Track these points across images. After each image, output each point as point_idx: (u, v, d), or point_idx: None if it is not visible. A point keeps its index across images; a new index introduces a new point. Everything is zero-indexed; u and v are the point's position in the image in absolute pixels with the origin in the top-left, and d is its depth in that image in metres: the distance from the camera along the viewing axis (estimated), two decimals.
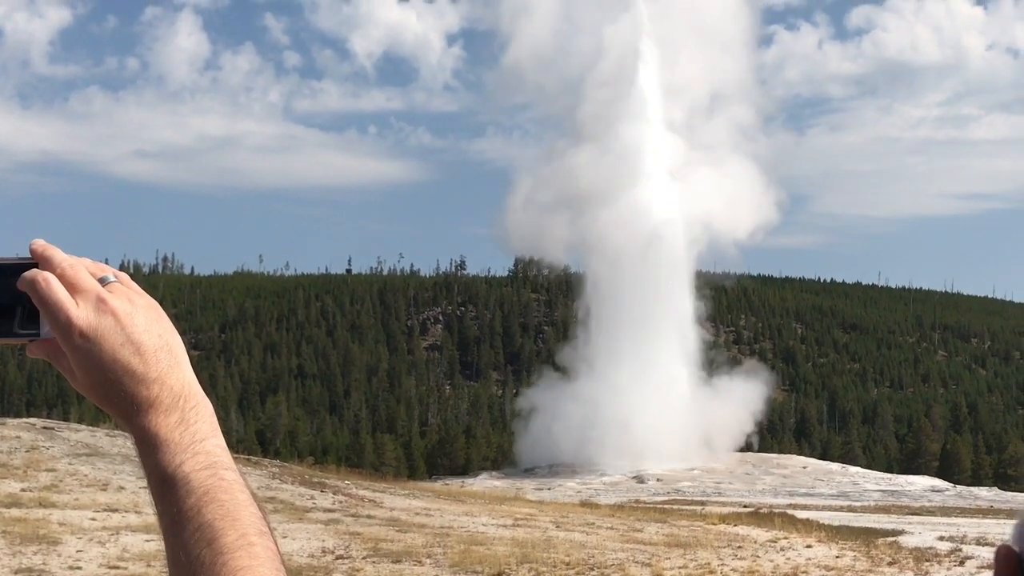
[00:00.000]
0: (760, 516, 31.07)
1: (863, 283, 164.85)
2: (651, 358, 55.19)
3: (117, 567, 14.24)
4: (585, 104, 62.90)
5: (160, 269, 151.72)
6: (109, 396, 1.06)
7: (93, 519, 17.18)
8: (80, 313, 1.04)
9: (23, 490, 19.06)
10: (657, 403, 54.21)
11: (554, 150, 67.59)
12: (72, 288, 1.05)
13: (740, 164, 62.23)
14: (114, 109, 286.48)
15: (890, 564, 19.01)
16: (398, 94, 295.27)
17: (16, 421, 27.25)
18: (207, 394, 1.09)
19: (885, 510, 41.37)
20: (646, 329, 55.34)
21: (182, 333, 1.02)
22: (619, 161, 58.70)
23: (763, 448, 71.31)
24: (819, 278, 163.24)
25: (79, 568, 14.10)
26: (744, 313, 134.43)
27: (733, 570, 17.08)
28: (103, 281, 1.07)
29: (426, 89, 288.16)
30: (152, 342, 1.05)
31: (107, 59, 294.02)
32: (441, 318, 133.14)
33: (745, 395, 61.51)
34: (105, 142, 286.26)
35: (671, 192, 58.14)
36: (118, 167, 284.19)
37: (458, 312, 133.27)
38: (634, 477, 51.86)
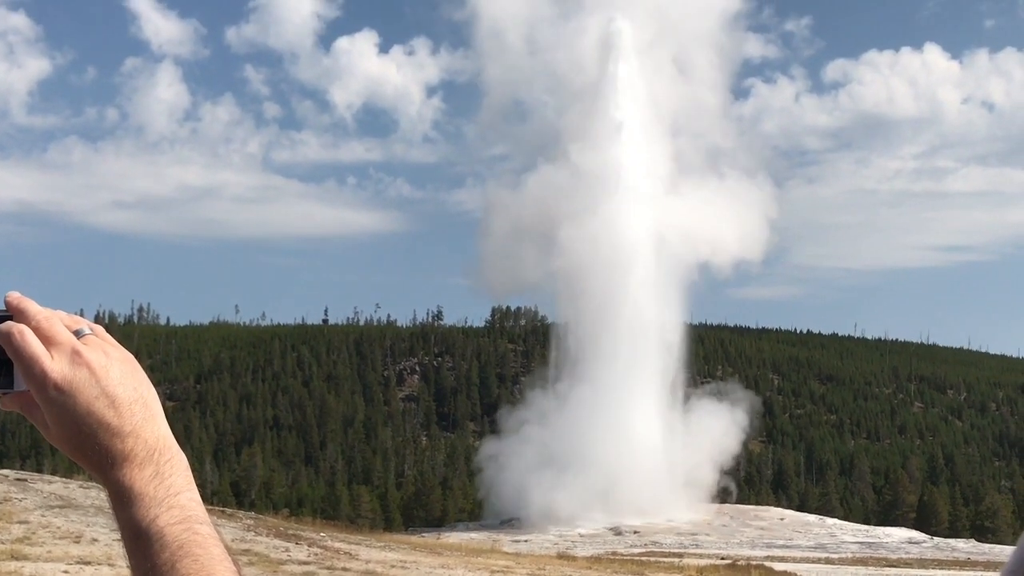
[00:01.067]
0: (738, 568, 30.95)
1: (839, 334, 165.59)
2: (626, 404, 54.40)
3: None
4: (560, 136, 62.37)
5: (136, 320, 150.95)
6: (83, 449, 1.05)
7: (66, 572, 16.96)
8: (55, 366, 1.03)
9: None
10: (633, 453, 53.78)
11: (522, 179, 66.19)
12: (47, 341, 1.04)
13: (725, 189, 60.26)
14: (93, 159, 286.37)
15: None
16: (377, 145, 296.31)
17: None
18: (182, 445, 1.08)
19: (863, 562, 41.25)
20: (621, 374, 54.32)
21: (157, 384, 0.82)
22: (591, 184, 57.40)
23: (741, 500, 71.10)
24: (796, 329, 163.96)
25: None
26: (721, 364, 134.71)
27: None
28: (78, 334, 1.06)
29: (405, 140, 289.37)
30: (127, 395, 1.04)
31: (86, 109, 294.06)
32: (418, 368, 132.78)
33: (722, 427, 60.60)
34: (83, 192, 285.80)
35: (645, 220, 56.54)
36: (96, 218, 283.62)
37: (435, 363, 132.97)
38: (611, 529, 51.61)
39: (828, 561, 40.91)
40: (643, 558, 38.72)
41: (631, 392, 54.72)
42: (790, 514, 64.41)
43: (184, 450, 1.08)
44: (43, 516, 21.74)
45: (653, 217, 54.78)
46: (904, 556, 45.70)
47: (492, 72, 75.29)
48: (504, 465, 58.05)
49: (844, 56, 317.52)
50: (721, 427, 61.63)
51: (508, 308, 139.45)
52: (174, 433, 1.08)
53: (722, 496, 64.49)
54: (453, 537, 46.64)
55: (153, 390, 1.08)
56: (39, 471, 37.99)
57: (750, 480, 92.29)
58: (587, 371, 55.06)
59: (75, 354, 1.04)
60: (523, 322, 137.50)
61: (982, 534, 69.90)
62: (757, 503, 71.93)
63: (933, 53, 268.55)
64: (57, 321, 1.06)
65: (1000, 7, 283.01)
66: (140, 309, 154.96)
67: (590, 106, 61.76)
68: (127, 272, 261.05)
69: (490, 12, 72.24)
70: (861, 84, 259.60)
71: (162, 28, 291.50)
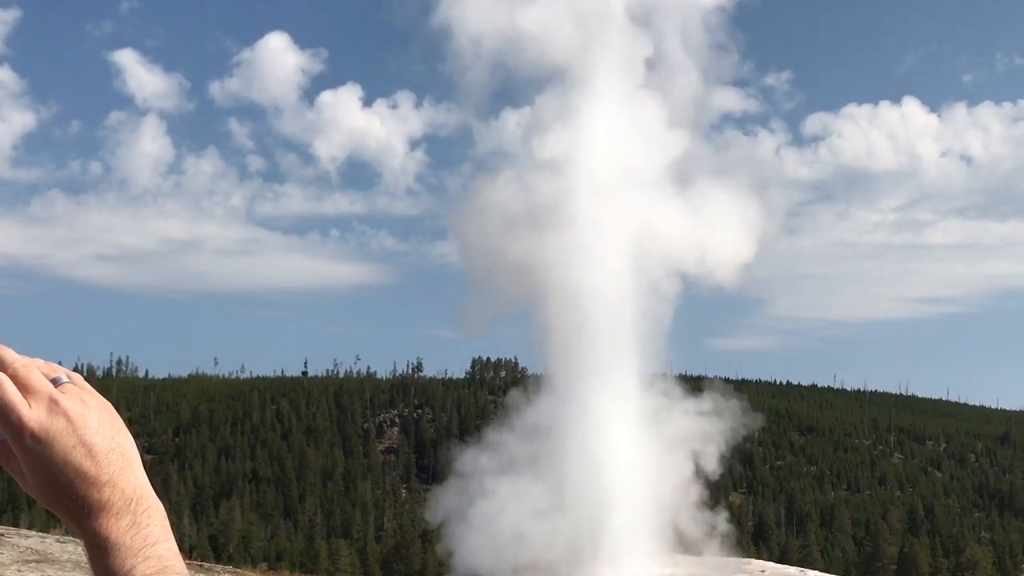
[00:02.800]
0: None
1: (819, 385, 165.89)
2: (600, 451, 52.71)
3: None
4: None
5: (114, 372, 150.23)
6: (60, 499, 1.03)
7: None
8: (32, 415, 1.02)
9: None
10: (610, 500, 52.70)
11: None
12: (24, 389, 1.03)
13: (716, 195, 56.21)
14: (75, 213, 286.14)
15: None
16: (361, 197, 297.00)
17: None
18: (160, 499, 1.07)
19: None
20: (597, 417, 52.54)
21: (135, 437, 1.10)
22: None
23: (722, 551, 70.75)
24: (775, 380, 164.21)
25: None
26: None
27: None
28: (56, 382, 1.05)
29: (388, 193, 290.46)
30: (104, 444, 1.03)
31: (70, 163, 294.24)
32: (397, 421, 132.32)
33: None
34: (65, 246, 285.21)
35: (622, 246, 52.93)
36: (78, 270, 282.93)
37: (415, 415, 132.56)
38: None
39: None
40: None
41: (606, 438, 52.63)
42: (771, 566, 63.93)
43: (162, 503, 1.07)
44: (19, 571, 21.58)
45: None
46: None
47: (478, 125, 75.71)
48: (465, 516, 55.78)
49: (824, 110, 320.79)
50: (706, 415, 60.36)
51: (488, 359, 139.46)
52: (152, 486, 1.07)
53: (705, 546, 64.00)
54: None
55: (131, 438, 1.07)
56: (15, 525, 37.68)
57: (731, 532, 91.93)
58: (563, 416, 52.62)
59: (52, 403, 1.03)
60: (503, 373, 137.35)
61: None
62: (738, 555, 71.67)
63: (912, 107, 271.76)
64: (35, 369, 1.05)
65: (977, 62, 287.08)
66: (119, 362, 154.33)
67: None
68: (107, 325, 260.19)
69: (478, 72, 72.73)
70: (841, 137, 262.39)
71: (147, 82, 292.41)
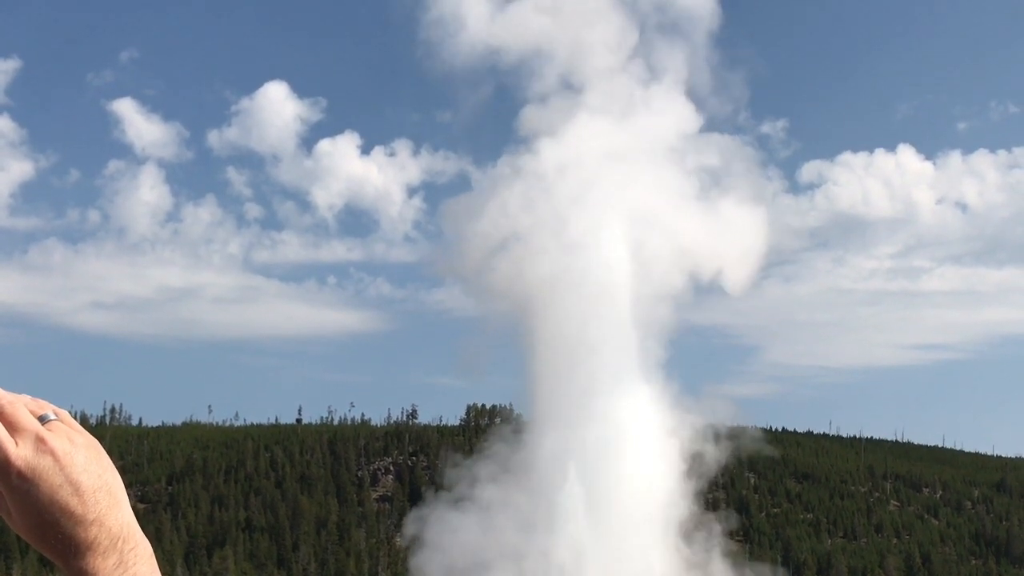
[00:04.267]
0: None
1: (815, 432, 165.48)
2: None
3: None
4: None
5: (107, 420, 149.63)
6: (47, 537, 1.01)
7: None
8: (19, 453, 1.01)
9: None
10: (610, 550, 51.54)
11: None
12: (11, 427, 1.02)
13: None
14: (73, 261, 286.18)
15: None
16: (358, 245, 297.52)
17: None
18: (153, 548, 1.06)
19: None
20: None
21: (128, 486, 1.09)
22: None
23: None
24: (771, 427, 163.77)
25: None
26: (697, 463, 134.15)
27: None
28: (43, 419, 1.04)
29: (386, 240, 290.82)
30: (91, 483, 1.01)
31: (68, 211, 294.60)
32: (392, 468, 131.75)
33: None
34: (63, 294, 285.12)
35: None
36: (74, 318, 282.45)
37: (409, 462, 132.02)
38: None
39: None
40: None
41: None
42: None
43: (155, 553, 1.05)
44: None
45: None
46: None
47: (476, 172, 76.22)
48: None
49: (819, 157, 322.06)
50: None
51: (483, 406, 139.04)
52: (146, 535, 1.06)
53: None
54: None
55: (118, 476, 1.05)
56: (8, 573, 37.50)
57: None
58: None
59: (40, 441, 1.01)
60: (499, 420, 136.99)
61: None
62: None
63: (907, 154, 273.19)
64: (22, 407, 1.04)
65: (972, 110, 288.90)
66: (112, 409, 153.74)
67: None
68: (102, 372, 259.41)
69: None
70: (836, 185, 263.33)
71: (145, 131, 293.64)
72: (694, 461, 38.65)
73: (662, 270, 38.08)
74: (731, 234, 38.71)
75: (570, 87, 37.82)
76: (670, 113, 37.84)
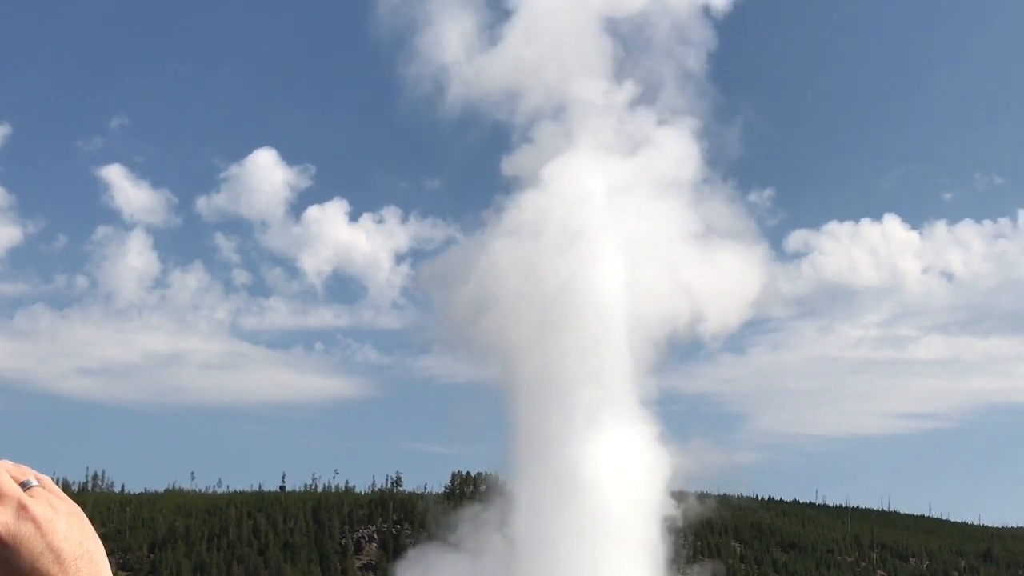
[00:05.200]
0: None
1: (800, 501, 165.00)
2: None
3: None
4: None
5: (90, 487, 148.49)
6: None
7: None
8: (0, 519, 0.99)
9: None
10: None
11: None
12: None
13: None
14: (60, 327, 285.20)
15: None
16: (346, 311, 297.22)
17: None
18: None
19: None
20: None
21: (110, 554, 0.97)
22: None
23: None
24: (757, 495, 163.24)
25: None
26: (682, 531, 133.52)
27: None
28: (25, 485, 1.03)
29: (374, 306, 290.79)
30: (72, 550, 1.00)
31: (56, 277, 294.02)
32: (376, 536, 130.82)
33: None
34: (48, 360, 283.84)
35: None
36: (60, 384, 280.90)
37: (393, 530, 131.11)
38: None
39: None
40: None
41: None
42: None
43: None
44: None
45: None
46: None
47: (465, 239, 76.35)
48: None
49: (806, 227, 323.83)
50: None
51: (468, 473, 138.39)
52: None
53: None
54: None
55: (100, 544, 1.04)
56: None
57: None
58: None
59: (21, 508, 1.00)
60: (484, 488, 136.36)
61: None
62: None
63: (893, 224, 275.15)
64: (3, 472, 1.02)
65: (957, 181, 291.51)
66: (95, 476, 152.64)
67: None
68: (86, 439, 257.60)
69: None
70: (823, 254, 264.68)
71: (134, 197, 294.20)
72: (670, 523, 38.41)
73: (650, 308, 37.84)
74: (721, 274, 38.68)
75: (556, 128, 38.01)
76: (667, 151, 38.03)
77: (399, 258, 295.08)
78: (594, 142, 37.48)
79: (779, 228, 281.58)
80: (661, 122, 38.29)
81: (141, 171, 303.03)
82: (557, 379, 37.43)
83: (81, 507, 1.16)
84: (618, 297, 36.80)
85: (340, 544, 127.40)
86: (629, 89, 37.91)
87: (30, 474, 1.04)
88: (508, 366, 39.01)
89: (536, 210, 37.12)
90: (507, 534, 38.96)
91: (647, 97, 38.16)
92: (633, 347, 37.82)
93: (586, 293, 36.69)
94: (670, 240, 37.52)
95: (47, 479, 1.05)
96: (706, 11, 40.94)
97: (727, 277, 38.03)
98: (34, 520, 0.99)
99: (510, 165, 38.48)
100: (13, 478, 1.02)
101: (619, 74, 38.13)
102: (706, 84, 39.26)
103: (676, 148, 37.84)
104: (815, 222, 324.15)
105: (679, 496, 43.59)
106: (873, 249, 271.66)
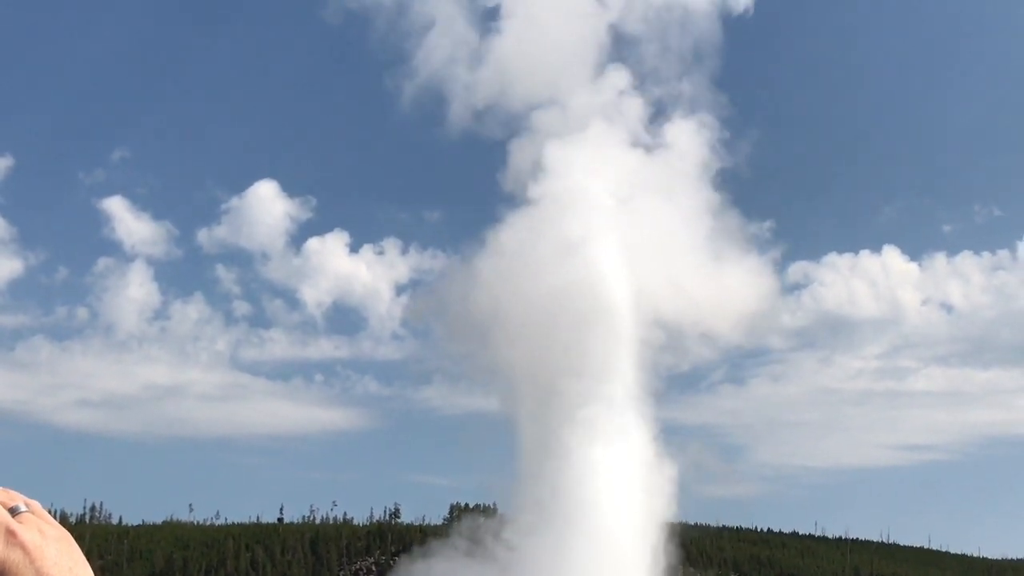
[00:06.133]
0: None
1: (800, 533, 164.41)
2: None
3: None
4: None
5: (87, 519, 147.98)
6: None
7: None
8: None
9: None
10: None
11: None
12: None
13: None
14: (60, 358, 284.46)
15: None
16: (346, 343, 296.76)
17: None
18: None
19: None
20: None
21: None
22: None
23: None
24: (756, 527, 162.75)
25: None
26: (681, 564, 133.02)
27: None
28: (14, 511, 1.01)
29: (374, 338, 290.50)
30: None
31: (57, 309, 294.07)
32: (374, 568, 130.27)
33: None
34: (48, 391, 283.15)
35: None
36: (59, 416, 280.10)
37: (391, 562, 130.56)
38: None
39: None
40: None
41: None
42: None
43: None
44: None
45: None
46: None
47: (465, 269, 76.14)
48: None
49: (805, 258, 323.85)
50: None
51: (466, 504, 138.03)
52: None
53: None
54: None
55: (89, 569, 1.03)
56: None
57: None
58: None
59: (10, 534, 0.98)
60: (482, 519, 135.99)
61: None
62: None
63: (892, 255, 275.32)
64: None
65: (957, 213, 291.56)
66: (92, 508, 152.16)
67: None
68: (84, 470, 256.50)
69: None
70: (823, 285, 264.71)
71: (135, 229, 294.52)
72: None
73: (654, 319, 37.56)
74: (723, 285, 38.55)
75: (556, 145, 37.92)
76: (670, 174, 37.97)
77: (399, 289, 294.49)
78: (596, 161, 37.55)
79: (779, 260, 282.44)
80: (662, 147, 38.47)
81: (143, 203, 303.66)
82: (559, 399, 37.44)
83: (78, 539, 1.11)
84: (624, 316, 36.76)
85: None
86: (633, 106, 38.16)
87: (19, 499, 1.01)
88: (509, 388, 39.02)
89: (534, 229, 37.09)
90: (507, 546, 38.79)
91: (650, 117, 38.34)
92: (638, 367, 37.85)
93: (590, 309, 36.60)
94: (674, 253, 37.44)
95: (36, 504, 1.02)
96: (709, 36, 41.23)
97: (729, 287, 37.98)
98: (23, 546, 0.96)
99: (510, 180, 38.53)
100: (2, 504, 1.00)
101: (622, 90, 38.35)
102: (706, 117, 39.51)
103: (681, 166, 37.94)
104: (815, 253, 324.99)
105: (678, 527, 43.61)
106: (873, 280, 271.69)
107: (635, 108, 39.04)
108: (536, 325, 36.92)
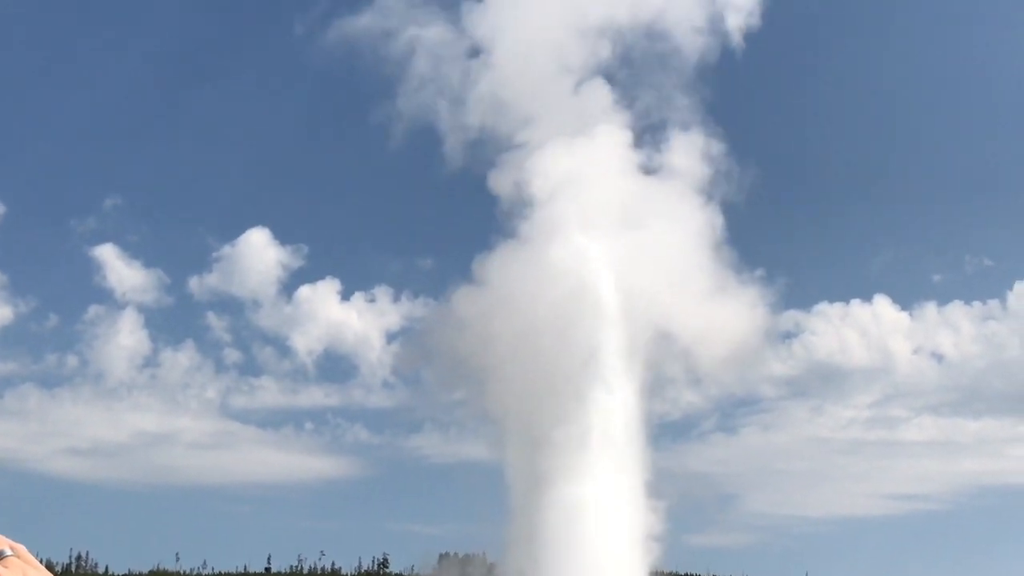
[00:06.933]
0: None
1: None
2: None
3: None
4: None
5: (73, 568, 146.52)
6: None
7: None
8: None
9: None
10: None
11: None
12: None
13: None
14: (49, 406, 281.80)
15: None
16: (336, 390, 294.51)
17: None
18: None
19: None
20: None
21: None
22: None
23: None
24: None
25: None
26: None
27: None
28: (0, 555, 1.01)
29: (364, 386, 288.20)
30: None
31: (47, 356, 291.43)
32: None
33: None
34: (37, 439, 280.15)
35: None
36: (48, 464, 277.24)
37: None
38: None
39: None
40: None
41: None
42: None
43: None
44: None
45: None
46: None
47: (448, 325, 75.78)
48: None
49: (796, 307, 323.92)
50: None
51: (456, 554, 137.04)
52: None
53: None
54: None
55: None
56: None
57: None
58: None
59: None
60: (471, 569, 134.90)
61: None
62: None
63: (883, 305, 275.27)
64: None
65: (946, 262, 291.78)
66: (79, 557, 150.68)
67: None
68: (72, 519, 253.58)
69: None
70: (814, 334, 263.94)
71: (126, 277, 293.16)
72: None
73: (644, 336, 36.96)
74: (720, 317, 38.08)
75: (549, 188, 37.41)
76: (668, 209, 37.61)
77: (390, 337, 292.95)
78: (584, 194, 37.18)
79: (770, 309, 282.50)
80: (655, 179, 38.34)
81: (134, 251, 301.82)
82: (550, 444, 36.94)
83: None
84: (615, 353, 36.44)
85: None
86: (620, 139, 38.00)
87: (4, 543, 1.00)
88: (499, 433, 38.57)
89: (521, 265, 36.57)
90: None
91: (636, 141, 38.18)
92: (632, 411, 37.49)
93: (581, 345, 36.15)
94: (668, 290, 37.00)
95: (22, 548, 1.01)
96: (697, 77, 41.11)
97: (721, 320, 37.48)
98: None
99: (499, 215, 38.16)
100: None
101: (610, 120, 38.28)
102: (701, 168, 39.45)
103: (672, 203, 37.73)
104: (806, 303, 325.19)
105: None
106: (864, 330, 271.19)
107: (622, 140, 39.03)
108: (526, 368, 36.67)
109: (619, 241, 36.80)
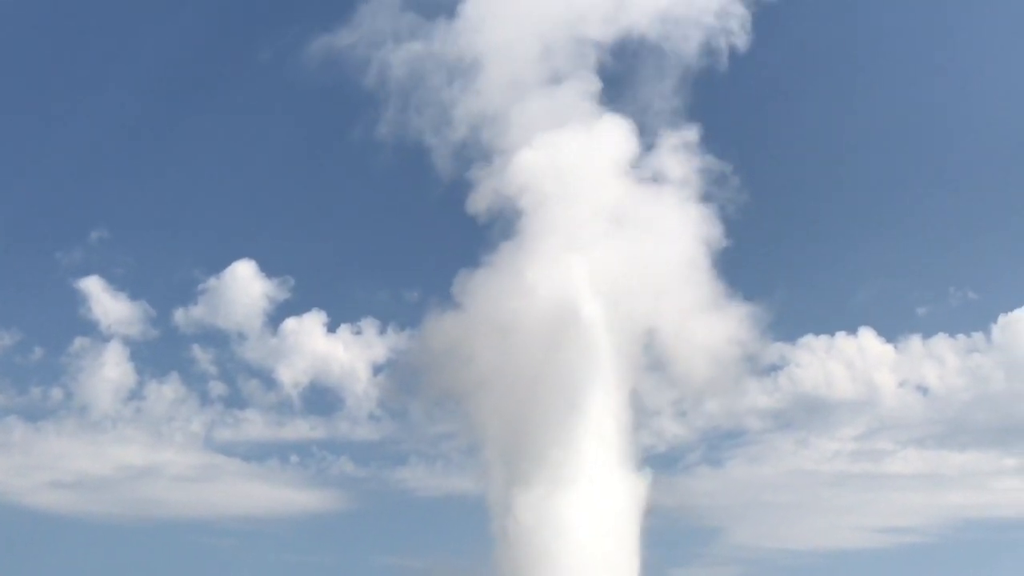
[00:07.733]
0: None
1: None
2: None
3: None
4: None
5: None
6: None
7: None
8: None
9: None
10: None
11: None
12: None
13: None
14: (33, 439, 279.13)
15: None
16: (322, 423, 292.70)
17: None
18: None
19: None
20: None
21: None
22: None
23: None
24: None
25: None
26: None
27: None
28: None
29: (350, 418, 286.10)
30: None
31: (31, 389, 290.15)
32: None
33: None
34: (21, 472, 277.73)
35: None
36: (31, 498, 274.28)
37: None
38: None
39: None
40: None
41: None
42: None
43: None
44: None
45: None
46: None
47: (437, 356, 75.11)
48: None
49: (782, 340, 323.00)
50: None
51: None
52: None
53: None
54: None
55: None
56: None
57: None
58: None
59: None
60: None
61: None
62: None
63: (868, 337, 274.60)
64: None
65: (931, 295, 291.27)
66: None
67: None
68: (55, 553, 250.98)
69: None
70: (799, 367, 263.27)
71: (112, 309, 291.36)
72: None
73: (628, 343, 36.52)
74: (696, 329, 37.70)
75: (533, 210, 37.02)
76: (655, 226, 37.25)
77: (376, 369, 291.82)
78: (573, 217, 36.78)
79: (758, 336, 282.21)
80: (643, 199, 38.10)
81: (119, 283, 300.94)
82: (532, 469, 36.57)
83: None
84: (608, 400, 36.11)
85: None
86: (608, 161, 37.77)
87: None
88: (482, 460, 38.27)
89: (505, 282, 36.15)
90: None
91: (631, 162, 37.99)
92: (624, 436, 37.22)
93: (568, 370, 35.72)
94: (651, 312, 36.51)
95: None
96: (686, 103, 40.93)
97: (706, 343, 37.06)
98: None
99: (485, 238, 37.80)
100: None
101: (601, 137, 38.07)
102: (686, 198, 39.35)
103: (667, 220, 37.48)
104: (791, 336, 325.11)
105: None
106: (849, 362, 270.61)
107: (610, 155, 38.86)
108: (506, 396, 36.44)
109: (603, 261, 36.42)
